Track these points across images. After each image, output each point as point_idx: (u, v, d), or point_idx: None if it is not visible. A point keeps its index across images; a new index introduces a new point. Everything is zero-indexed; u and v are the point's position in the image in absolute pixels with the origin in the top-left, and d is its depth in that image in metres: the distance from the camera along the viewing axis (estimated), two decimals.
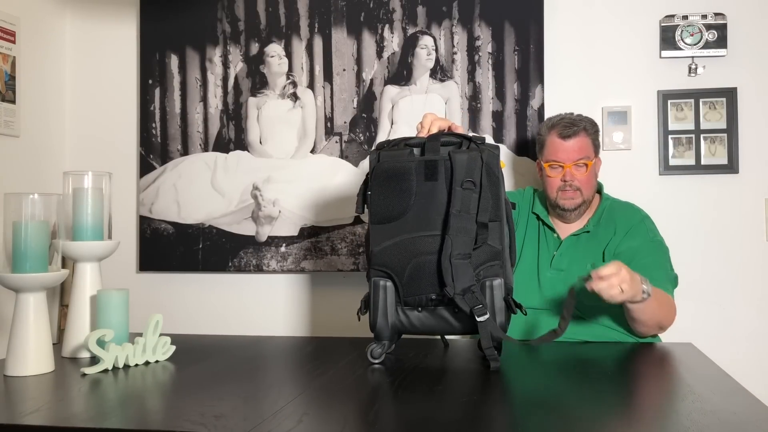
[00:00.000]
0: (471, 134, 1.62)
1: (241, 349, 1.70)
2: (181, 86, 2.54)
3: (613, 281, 1.53)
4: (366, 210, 1.52)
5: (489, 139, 2.34)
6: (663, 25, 2.27)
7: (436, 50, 2.38)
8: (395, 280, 1.46)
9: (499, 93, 2.34)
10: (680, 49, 2.26)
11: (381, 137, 2.40)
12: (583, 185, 1.89)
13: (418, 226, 1.46)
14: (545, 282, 1.88)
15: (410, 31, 2.40)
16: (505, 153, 2.32)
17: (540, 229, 1.97)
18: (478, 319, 1.40)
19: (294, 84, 2.47)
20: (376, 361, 1.50)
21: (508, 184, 2.31)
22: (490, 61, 2.35)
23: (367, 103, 2.42)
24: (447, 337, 1.72)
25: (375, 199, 1.49)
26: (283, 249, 2.46)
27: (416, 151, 1.50)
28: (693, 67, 2.25)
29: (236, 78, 2.51)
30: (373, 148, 1.56)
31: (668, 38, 2.27)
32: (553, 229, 1.95)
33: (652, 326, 1.74)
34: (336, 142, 2.44)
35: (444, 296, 1.43)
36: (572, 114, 1.95)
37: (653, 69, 2.30)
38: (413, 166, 1.47)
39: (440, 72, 2.38)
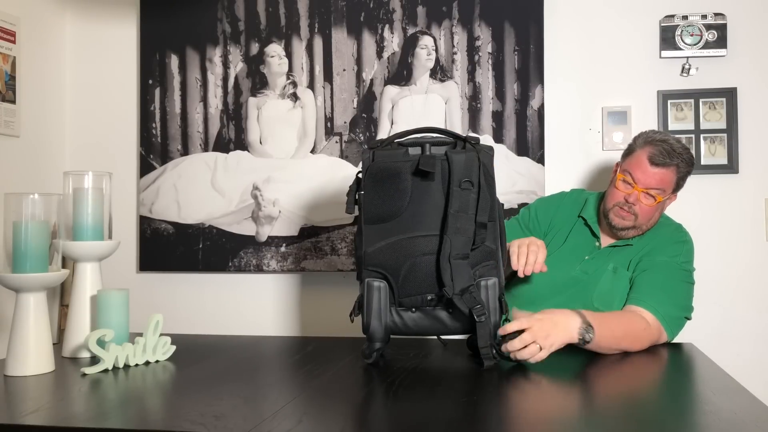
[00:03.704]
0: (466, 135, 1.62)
1: (240, 349, 1.70)
2: (181, 86, 2.54)
3: (525, 337, 1.42)
4: (357, 210, 1.51)
5: (489, 140, 2.34)
6: (663, 25, 2.27)
7: (436, 50, 2.38)
8: (390, 281, 1.46)
9: (499, 93, 2.34)
10: (680, 49, 2.26)
11: (381, 137, 2.40)
12: (642, 213, 1.78)
13: (413, 227, 1.46)
14: (566, 280, 1.82)
15: (410, 31, 2.40)
16: (504, 153, 2.32)
17: (583, 233, 1.90)
18: (477, 319, 1.40)
19: (294, 84, 2.47)
20: (369, 361, 1.49)
21: (508, 184, 2.31)
22: (490, 61, 2.35)
23: (367, 103, 2.42)
24: (444, 336, 1.72)
25: (369, 199, 1.48)
26: (283, 249, 2.46)
27: (411, 150, 1.50)
28: (687, 67, 2.25)
29: (236, 78, 2.51)
30: (365, 147, 1.55)
31: (668, 38, 2.27)
32: (597, 236, 1.88)
33: (611, 352, 1.61)
34: (336, 142, 2.44)
35: (441, 296, 1.43)
36: (678, 142, 1.79)
37: (653, 69, 2.30)
38: (409, 166, 1.47)
39: (440, 72, 2.38)
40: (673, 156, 1.76)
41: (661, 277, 1.73)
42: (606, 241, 1.88)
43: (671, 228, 1.87)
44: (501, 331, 1.46)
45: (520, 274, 1.66)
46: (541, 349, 1.43)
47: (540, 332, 1.44)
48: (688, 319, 1.75)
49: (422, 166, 1.44)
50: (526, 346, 1.43)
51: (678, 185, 1.82)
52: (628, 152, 1.85)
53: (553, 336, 1.46)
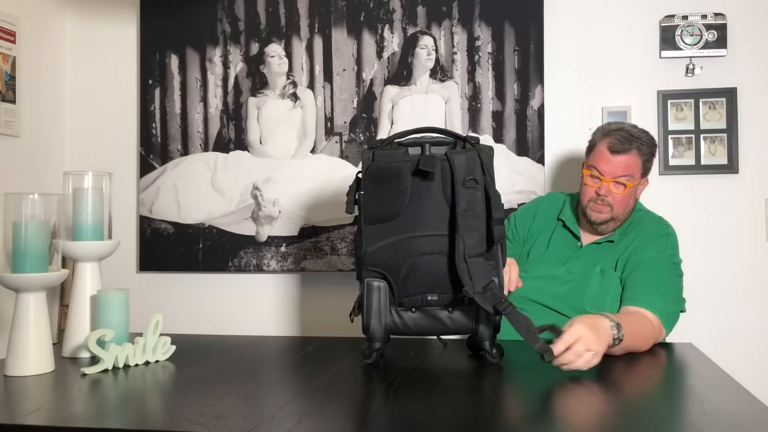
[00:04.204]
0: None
1: (240, 349, 1.70)
2: (181, 86, 2.54)
3: (578, 349, 1.35)
4: (357, 210, 1.51)
5: (489, 139, 2.34)
6: (663, 25, 2.27)
7: (436, 50, 2.38)
8: (390, 281, 1.46)
9: (499, 93, 2.34)
10: (680, 49, 2.26)
11: (381, 137, 2.40)
12: (616, 203, 1.79)
13: (413, 227, 1.46)
14: (552, 279, 1.83)
15: (410, 31, 2.40)
16: (504, 153, 2.32)
17: (563, 234, 1.91)
18: (504, 313, 1.38)
19: (294, 84, 2.47)
20: (368, 361, 1.49)
21: (508, 184, 2.31)
22: (490, 61, 2.35)
23: (367, 103, 2.42)
24: (444, 337, 1.72)
25: (369, 198, 1.48)
26: (283, 249, 2.46)
27: (411, 150, 1.50)
28: (691, 67, 2.25)
29: (236, 78, 2.51)
30: (365, 147, 1.55)
31: (668, 38, 2.27)
32: (577, 237, 1.89)
33: (625, 352, 1.60)
34: (336, 142, 2.44)
35: (460, 297, 1.43)
36: (635, 127, 1.82)
37: (653, 69, 2.30)
38: (409, 166, 1.47)
39: (440, 72, 2.38)
40: (632, 141, 1.78)
41: (653, 274, 1.73)
42: (587, 239, 1.89)
43: (653, 222, 1.87)
44: (555, 354, 1.36)
45: None
46: (594, 354, 1.37)
47: (590, 338, 1.37)
48: (683, 311, 1.76)
49: (422, 166, 1.44)
50: (581, 357, 1.36)
51: (645, 168, 1.83)
52: (590, 148, 1.87)
53: (602, 338, 1.41)
